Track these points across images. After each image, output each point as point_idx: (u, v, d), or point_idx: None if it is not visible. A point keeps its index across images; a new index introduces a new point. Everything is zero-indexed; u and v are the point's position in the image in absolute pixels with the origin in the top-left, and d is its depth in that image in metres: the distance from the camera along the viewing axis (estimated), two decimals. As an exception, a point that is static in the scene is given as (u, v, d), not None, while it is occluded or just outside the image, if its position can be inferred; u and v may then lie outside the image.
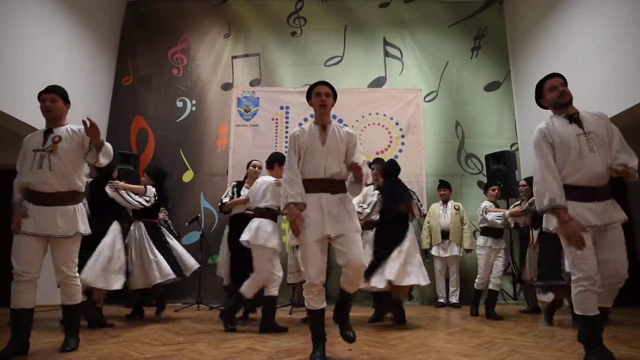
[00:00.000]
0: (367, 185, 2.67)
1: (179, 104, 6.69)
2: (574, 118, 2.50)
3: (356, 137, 2.74)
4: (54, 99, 2.88)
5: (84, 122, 2.68)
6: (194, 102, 6.69)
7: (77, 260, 2.86)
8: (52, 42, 5.29)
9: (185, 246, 5.90)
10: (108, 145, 2.87)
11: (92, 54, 6.18)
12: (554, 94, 2.57)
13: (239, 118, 6.48)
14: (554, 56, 5.64)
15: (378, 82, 6.75)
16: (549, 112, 2.66)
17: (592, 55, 4.85)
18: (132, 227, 4.32)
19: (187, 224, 5.66)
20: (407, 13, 6.99)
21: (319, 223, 2.51)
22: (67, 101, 2.97)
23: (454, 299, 5.61)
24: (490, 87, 6.74)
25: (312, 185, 2.59)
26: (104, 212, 3.96)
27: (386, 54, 6.86)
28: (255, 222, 3.74)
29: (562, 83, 2.58)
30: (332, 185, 2.61)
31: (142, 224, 4.28)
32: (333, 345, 3.02)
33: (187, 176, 6.40)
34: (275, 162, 3.96)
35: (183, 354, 2.71)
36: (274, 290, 3.73)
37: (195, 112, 6.65)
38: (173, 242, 4.52)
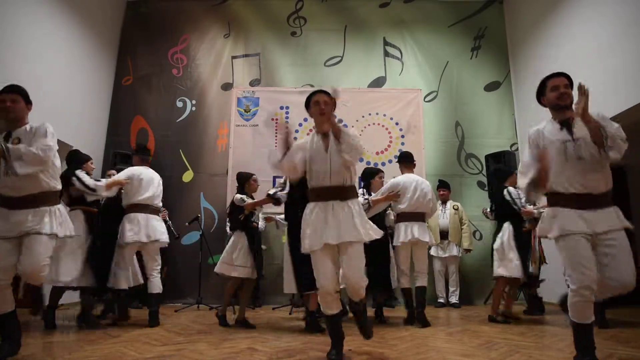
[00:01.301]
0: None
1: (179, 104, 6.68)
2: (566, 124, 2.41)
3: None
4: (14, 100, 2.69)
5: None
6: (194, 102, 6.69)
7: (46, 263, 2.64)
8: (52, 42, 5.28)
9: (185, 246, 5.98)
10: (17, 148, 2.53)
11: (92, 54, 6.18)
12: (554, 94, 2.47)
13: (239, 118, 6.48)
14: (554, 56, 5.64)
15: (378, 82, 6.75)
16: (547, 114, 2.59)
17: (592, 55, 4.85)
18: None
19: (187, 224, 5.66)
20: (407, 13, 6.99)
21: (319, 231, 2.51)
22: (28, 101, 2.78)
23: (453, 299, 5.61)
24: (490, 87, 6.74)
25: (321, 193, 2.60)
26: (114, 217, 3.95)
27: (386, 54, 6.86)
28: None
29: (566, 84, 2.46)
30: (340, 192, 2.59)
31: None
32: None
33: (187, 176, 6.40)
34: None
35: (183, 354, 2.71)
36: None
37: (195, 112, 6.65)
38: None
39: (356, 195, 2.70)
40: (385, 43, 6.89)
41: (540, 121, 2.62)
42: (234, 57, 6.84)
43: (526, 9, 6.42)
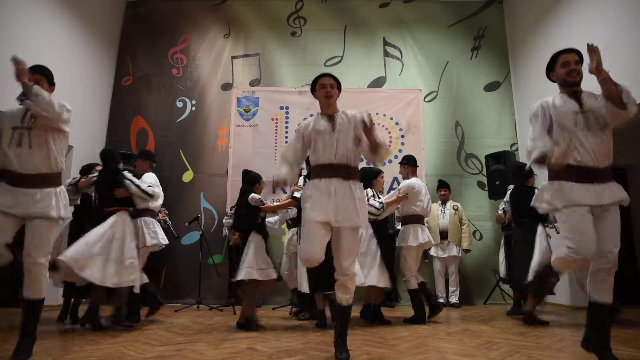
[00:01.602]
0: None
1: (179, 104, 6.68)
2: (575, 96, 2.42)
3: (362, 115, 2.67)
4: (38, 80, 2.68)
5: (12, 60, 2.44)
6: (193, 102, 6.69)
7: (49, 251, 2.62)
8: (52, 42, 5.29)
9: (185, 246, 5.98)
10: (37, 90, 2.51)
11: (92, 54, 6.18)
12: (564, 70, 2.47)
13: (238, 118, 6.48)
14: (553, 56, 5.63)
15: (378, 82, 6.75)
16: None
17: (592, 55, 4.84)
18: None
19: (187, 224, 5.66)
20: (407, 13, 6.99)
21: (324, 206, 2.47)
22: (52, 83, 2.79)
23: (453, 299, 5.62)
24: (490, 87, 6.74)
25: (324, 170, 2.58)
26: (112, 203, 3.90)
27: (386, 54, 6.86)
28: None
29: (577, 61, 2.46)
30: (344, 171, 2.57)
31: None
32: (333, 345, 3.03)
33: (187, 176, 6.40)
34: None
35: (183, 354, 2.71)
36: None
37: (195, 112, 6.65)
38: None
39: (359, 178, 2.68)
40: (385, 43, 6.89)
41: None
42: (234, 57, 6.84)
43: (526, 9, 6.42)
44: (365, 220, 2.59)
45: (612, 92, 2.28)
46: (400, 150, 6.28)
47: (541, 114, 2.48)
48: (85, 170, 4.30)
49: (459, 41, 6.88)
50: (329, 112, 2.71)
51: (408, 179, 4.42)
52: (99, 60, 6.39)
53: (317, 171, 2.61)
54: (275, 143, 6.35)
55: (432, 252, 5.69)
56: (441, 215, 5.74)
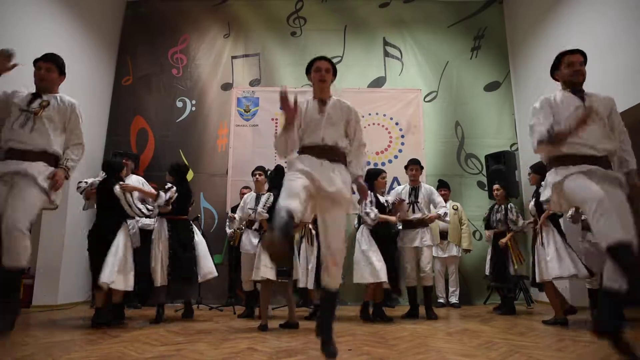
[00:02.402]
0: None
1: (179, 104, 6.68)
2: (578, 91, 2.54)
3: (357, 114, 2.69)
4: (49, 69, 2.84)
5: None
6: (193, 102, 6.69)
7: (31, 220, 2.60)
8: (52, 42, 5.27)
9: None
10: (72, 165, 2.90)
11: (92, 54, 6.18)
12: (569, 70, 2.58)
13: (238, 118, 6.47)
14: (553, 56, 5.61)
15: (378, 82, 6.75)
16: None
17: (592, 55, 4.76)
18: (156, 224, 4.37)
19: (187, 224, 5.65)
20: (407, 13, 6.99)
21: (314, 172, 2.39)
22: (62, 73, 2.91)
23: (453, 299, 5.62)
24: (490, 87, 6.75)
25: (312, 151, 2.53)
26: (111, 212, 3.95)
27: (386, 54, 6.86)
28: None
29: (582, 62, 2.57)
30: (331, 153, 2.53)
31: (165, 221, 4.28)
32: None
33: (187, 176, 6.37)
34: None
35: (183, 354, 2.71)
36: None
37: (195, 112, 6.65)
38: (199, 243, 4.51)
39: (345, 164, 2.62)
40: (385, 43, 6.89)
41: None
42: (233, 57, 6.84)
43: (526, 9, 6.42)
44: (349, 196, 2.49)
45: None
46: (400, 151, 6.28)
47: (546, 106, 2.58)
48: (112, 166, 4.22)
49: (459, 41, 6.88)
50: (322, 97, 2.68)
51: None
52: (99, 60, 6.39)
53: (305, 150, 2.56)
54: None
55: (433, 251, 5.68)
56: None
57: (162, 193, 4.24)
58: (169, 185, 4.35)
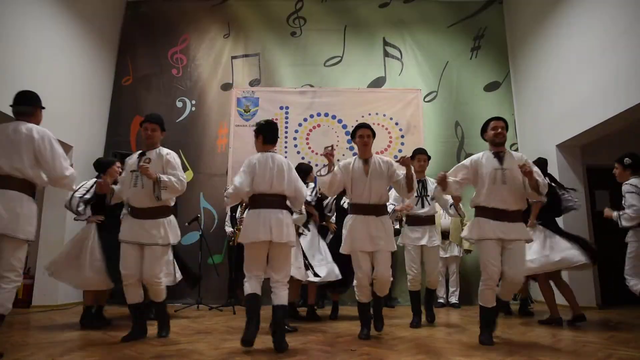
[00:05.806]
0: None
1: (179, 104, 6.68)
2: (499, 156, 3.17)
3: (393, 162, 3.36)
4: (154, 129, 3.29)
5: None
6: (193, 102, 6.69)
7: (163, 270, 3.22)
8: (52, 42, 5.29)
9: (185, 246, 5.96)
10: (165, 180, 3.10)
11: (92, 54, 6.18)
12: (492, 132, 3.22)
13: (238, 118, 6.47)
14: (553, 56, 5.64)
15: (378, 82, 6.75)
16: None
17: (592, 55, 4.85)
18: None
19: (187, 224, 5.64)
20: (407, 13, 6.99)
21: (365, 239, 3.19)
22: (163, 129, 3.39)
23: (453, 299, 5.62)
24: (490, 87, 6.74)
25: (360, 209, 3.25)
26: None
27: (386, 54, 6.86)
28: None
29: (503, 127, 3.24)
30: (376, 209, 3.26)
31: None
32: (333, 345, 3.03)
33: (187, 176, 6.29)
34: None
35: (183, 354, 2.71)
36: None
37: (195, 113, 6.65)
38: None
39: (387, 212, 3.38)
40: (385, 43, 6.89)
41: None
42: (233, 57, 6.84)
43: (526, 9, 6.42)
44: (394, 245, 3.29)
45: (533, 183, 3.01)
46: (399, 151, 6.28)
47: (468, 163, 3.28)
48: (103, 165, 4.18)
49: (459, 41, 6.88)
50: (365, 157, 3.35)
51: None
52: (99, 60, 6.39)
53: (355, 209, 3.29)
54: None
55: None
56: (442, 215, 5.72)
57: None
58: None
